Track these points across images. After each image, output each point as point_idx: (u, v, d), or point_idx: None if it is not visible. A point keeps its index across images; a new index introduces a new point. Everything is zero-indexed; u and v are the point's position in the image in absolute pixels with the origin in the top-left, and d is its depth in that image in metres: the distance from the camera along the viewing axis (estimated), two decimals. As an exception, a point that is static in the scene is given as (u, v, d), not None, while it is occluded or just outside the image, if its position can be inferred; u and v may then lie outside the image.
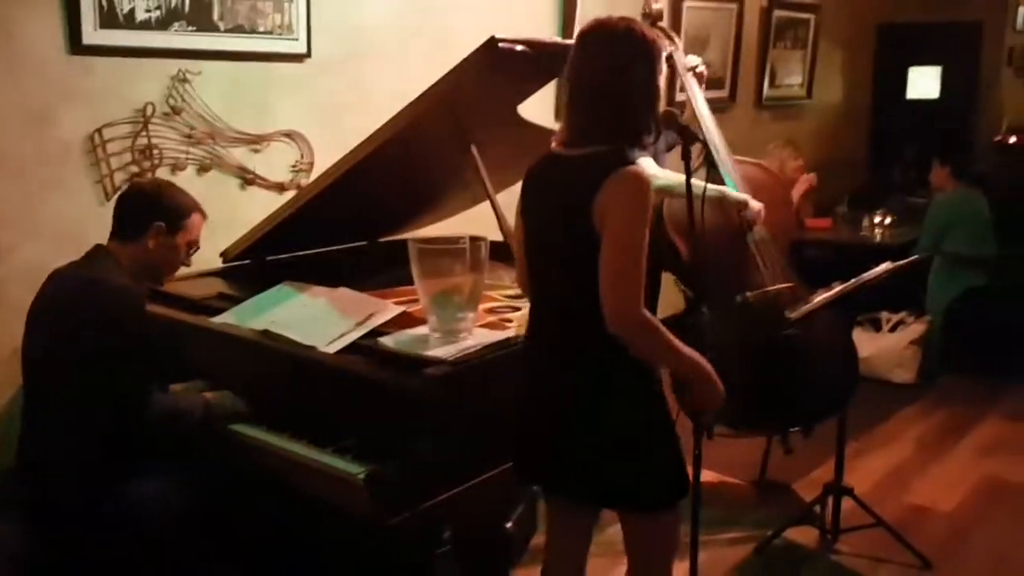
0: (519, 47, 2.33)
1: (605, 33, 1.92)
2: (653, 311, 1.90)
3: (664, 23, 3.42)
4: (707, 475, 3.09)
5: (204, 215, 2.46)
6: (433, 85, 2.38)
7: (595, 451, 1.94)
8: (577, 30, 1.98)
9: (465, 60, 2.33)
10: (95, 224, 2.87)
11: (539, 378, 2.01)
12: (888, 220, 5.42)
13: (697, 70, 3.35)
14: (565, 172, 1.92)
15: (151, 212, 2.34)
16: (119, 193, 2.45)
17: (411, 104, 2.43)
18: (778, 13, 6.11)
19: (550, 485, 2.11)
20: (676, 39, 3.43)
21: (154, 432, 2.23)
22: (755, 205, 3.14)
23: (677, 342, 1.88)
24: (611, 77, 1.89)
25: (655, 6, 3.35)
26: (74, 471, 2.19)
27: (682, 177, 2.15)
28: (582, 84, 1.93)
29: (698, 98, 3.31)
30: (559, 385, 1.96)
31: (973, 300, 4.92)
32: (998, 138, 7.20)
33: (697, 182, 2.15)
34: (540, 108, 4.06)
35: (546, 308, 2.01)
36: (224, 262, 2.93)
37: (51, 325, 2.26)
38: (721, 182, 3.20)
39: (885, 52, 7.64)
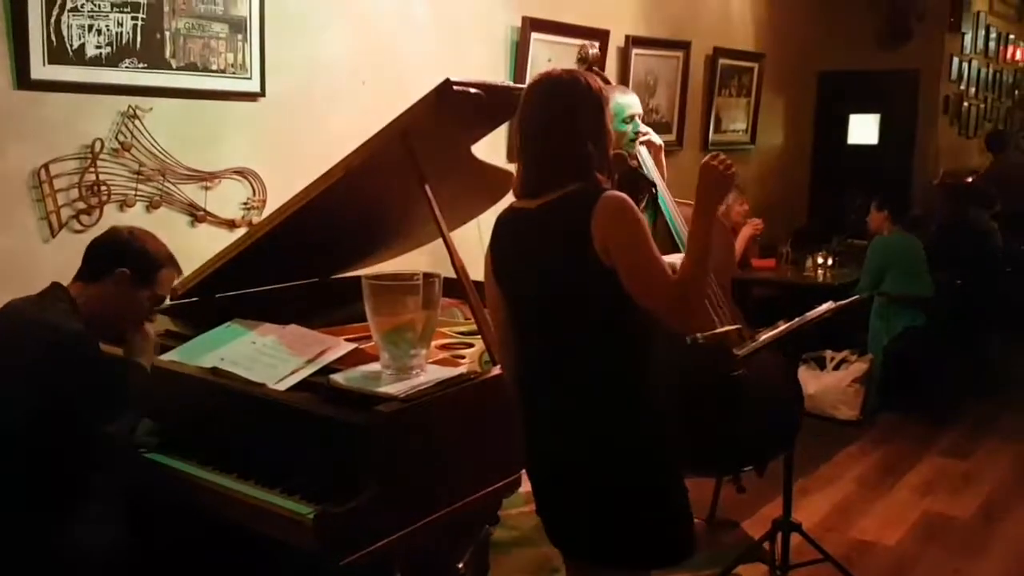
0: (473, 89, 2.37)
1: (550, 84, 1.99)
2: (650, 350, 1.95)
3: (599, 68, 3.43)
4: (657, 513, 3.10)
5: (178, 271, 2.38)
6: (388, 124, 2.41)
7: (601, 509, 1.94)
8: (527, 81, 2.04)
9: (420, 100, 2.35)
10: (40, 261, 2.83)
11: (541, 435, 2.02)
12: (830, 261, 5.56)
13: (644, 138, 3.33)
14: (541, 222, 1.96)
15: (119, 257, 2.24)
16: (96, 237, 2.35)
17: (366, 142, 2.45)
18: (723, 61, 6.28)
19: (564, 549, 2.09)
20: (612, 85, 3.48)
21: (112, 471, 2.16)
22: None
23: (688, 248, 1.93)
24: (559, 126, 1.95)
25: (591, 51, 3.39)
26: (14, 517, 2.09)
27: None
28: (534, 135, 1.99)
29: (646, 159, 3.32)
30: (565, 437, 1.97)
31: (911, 339, 5.05)
32: (935, 183, 7.46)
33: None
34: (492, 149, 4.11)
35: (538, 358, 2.02)
36: (172, 299, 2.89)
37: None
38: (666, 222, 3.25)
39: (826, 100, 7.90)
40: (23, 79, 2.77)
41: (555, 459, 2.00)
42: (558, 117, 1.95)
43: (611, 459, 1.93)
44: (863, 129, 7.93)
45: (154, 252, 2.29)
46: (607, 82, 3.38)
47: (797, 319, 3.01)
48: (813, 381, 4.93)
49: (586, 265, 1.88)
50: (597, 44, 4.86)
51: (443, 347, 2.55)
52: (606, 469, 1.93)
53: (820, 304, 3.11)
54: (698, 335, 3.11)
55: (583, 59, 3.22)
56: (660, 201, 3.28)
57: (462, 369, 2.28)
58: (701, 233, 1.93)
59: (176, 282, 2.82)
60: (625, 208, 1.88)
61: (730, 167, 1.96)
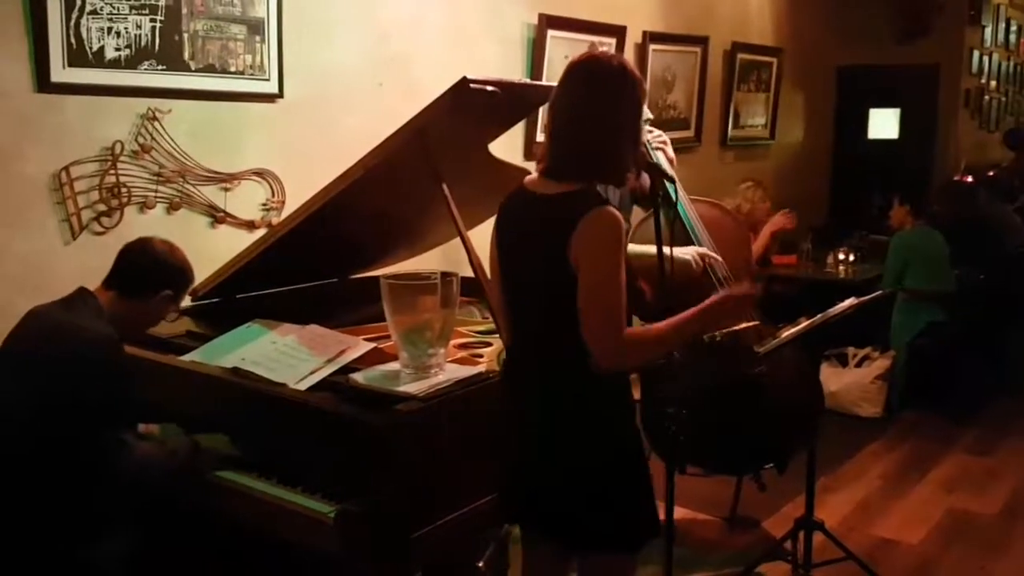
0: (489, 87, 2.36)
1: (599, 68, 1.91)
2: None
3: None
4: (678, 512, 3.09)
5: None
6: (406, 123, 2.41)
7: (566, 488, 1.93)
8: (559, 65, 1.99)
9: (437, 99, 2.35)
10: (60, 264, 2.85)
11: (515, 413, 2.02)
12: (851, 257, 5.52)
13: (660, 144, 3.31)
14: (540, 212, 1.93)
15: (164, 279, 2.32)
16: (127, 246, 2.38)
17: (384, 142, 2.45)
18: (741, 56, 6.25)
19: (526, 523, 2.10)
20: None
21: (136, 481, 2.16)
22: (695, 265, 3.13)
23: (665, 328, 1.89)
24: (602, 116, 1.88)
25: (601, 48, 3.37)
26: (36, 524, 2.11)
27: (639, 247, 2.17)
28: (570, 120, 1.92)
29: (661, 160, 3.30)
30: (534, 420, 1.97)
31: (934, 335, 5.00)
32: (956, 178, 7.38)
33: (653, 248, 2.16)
34: (509, 147, 4.11)
35: (524, 342, 2.03)
36: (193, 300, 2.90)
37: (22, 368, 2.19)
38: (680, 221, 3.23)
39: (845, 94, 7.84)
40: (43, 82, 2.79)
41: (534, 436, 1.98)
42: (600, 102, 1.88)
43: (572, 438, 1.92)
44: (883, 124, 7.87)
45: (190, 271, 2.40)
46: None
47: (820, 315, 2.98)
48: (835, 378, 4.89)
49: (563, 267, 1.85)
50: (613, 41, 4.85)
51: (461, 346, 2.55)
52: (567, 445, 1.92)
53: (842, 300, 3.08)
54: (715, 333, 3.09)
55: None
56: (674, 196, 3.25)
57: (480, 368, 2.27)
58: (684, 332, 1.92)
59: (198, 283, 2.85)
60: (609, 231, 1.83)
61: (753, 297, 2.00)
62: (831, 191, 7.91)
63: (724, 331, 3.11)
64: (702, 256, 3.11)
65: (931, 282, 5.03)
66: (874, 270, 5.35)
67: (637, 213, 3.42)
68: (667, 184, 2.18)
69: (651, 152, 3.22)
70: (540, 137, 4.36)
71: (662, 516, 2.27)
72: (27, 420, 2.12)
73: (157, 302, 2.32)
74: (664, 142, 3.27)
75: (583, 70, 1.92)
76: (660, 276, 2.03)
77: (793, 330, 2.94)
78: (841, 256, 5.52)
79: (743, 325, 3.15)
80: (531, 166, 2.12)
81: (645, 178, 2.47)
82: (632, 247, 2.79)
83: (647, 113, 3.25)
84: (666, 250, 2.12)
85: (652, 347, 1.92)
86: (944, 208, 5.56)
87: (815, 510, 3.19)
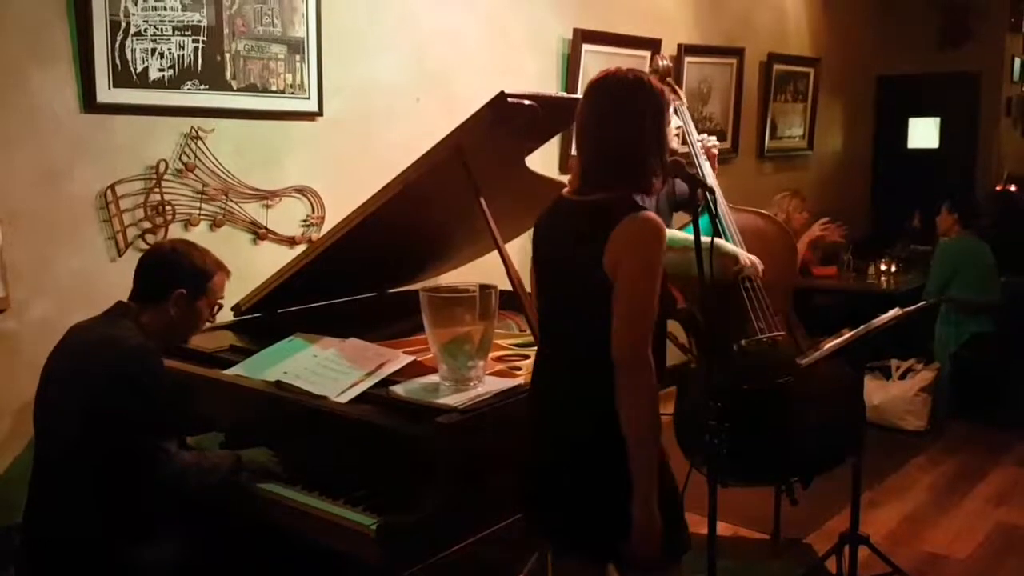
0: (527, 101, 2.38)
1: (615, 84, 1.95)
2: (661, 357, 1.91)
3: (671, 79, 3.49)
4: (722, 527, 3.06)
5: (227, 273, 2.42)
6: (444, 138, 2.43)
7: (595, 501, 1.91)
8: (588, 81, 2.02)
9: (475, 114, 2.37)
10: (107, 280, 2.91)
11: (540, 421, 2.01)
12: (893, 268, 5.45)
13: (712, 149, 3.36)
14: (575, 219, 1.95)
15: (172, 278, 2.30)
16: (142, 256, 2.42)
17: (422, 157, 2.47)
18: (778, 67, 6.21)
19: (554, 536, 2.07)
20: (681, 94, 3.49)
21: (173, 490, 2.19)
22: (744, 260, 3.11)
23: (657, 426, 1.86)
24: (622, 127, 1.92)
25: (662, 63, 3.45)
26: (84, 532, 2.15)
27: (681, 234, 2.16)
28: (593, 134, 1.96)
29: (705, 168, 3.32)
30: (560, 432, 1.96)
31: (979, 346, 4.92)
32: (999, 188, 7.26)
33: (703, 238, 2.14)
34: (546, 161, 4.12)
35: (555, 352, 2.02)
36: (236, 315, 2.95)
37: (66, 382, 2.24)
38: (720, 230, 3.21)
39: (885, 103, 7.76)
40: (90, 103, 2.86)
41: (558, 445, 1.96)
42: (619, 117, 1.92)
43: (599, 450, 1.89)
44: (923, 133, 7.77)
45: (201, 264, 2.35)
46: (676, 92, 3.37)
47: (863, 327, 2.93)
48: (879, 391, 4.82)
49: (594, 275, 1.85)
50: (648, 54, 4.85)
51: (499, 359, 2.55)
52: (594, 458, 1.90)
53: (884, 312, 3.03)
54: (742, 341, 3.06)
55: (655, 71, 3.30)
56: (713, 207, 3.25)
57: (519, 380, 2.28)
58: (643, 468, 1.86)
59: (240, 298, 2.89)
60: (648, 234, 1.84)
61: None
62: (871, 201, 7.83)
63: (750, 340, 3.07)
64: (751, 261, 3.08)
65: (977, 292, 4.95)
66: (917, 281, 5.27)
67: (678, 220, 3.41)
68: (706, 194, 2.17)
69: (696, 160, 3.24)
70: (575, 151, 4.37)
71: (703, 530, 2.25)
72: (75, 431, 2.16)
73: (175, 304, 2.29)
74: (713, 149, 3.29)
75: (599, 87, 1.97)
76: (700, 283, 2.02)
77: (836, 341, 2.90)
78: (883, 267, 5.44)
79: (771, 335, 3.10)
80: (567, 179, 2.13)
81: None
82: (672, 233, 2.74)
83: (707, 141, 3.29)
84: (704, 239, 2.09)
85: (648, 389, 1.84)
86: (989, 218, 5.48)
87: (860, 525, 3.14)
